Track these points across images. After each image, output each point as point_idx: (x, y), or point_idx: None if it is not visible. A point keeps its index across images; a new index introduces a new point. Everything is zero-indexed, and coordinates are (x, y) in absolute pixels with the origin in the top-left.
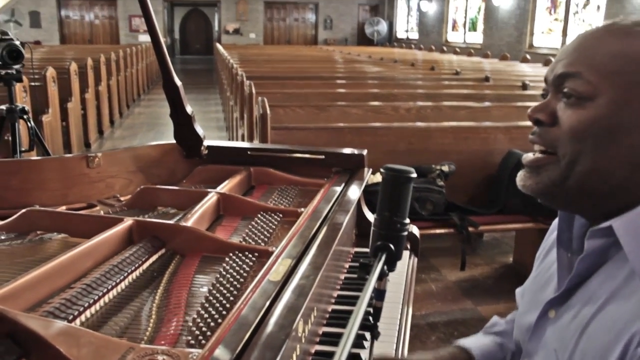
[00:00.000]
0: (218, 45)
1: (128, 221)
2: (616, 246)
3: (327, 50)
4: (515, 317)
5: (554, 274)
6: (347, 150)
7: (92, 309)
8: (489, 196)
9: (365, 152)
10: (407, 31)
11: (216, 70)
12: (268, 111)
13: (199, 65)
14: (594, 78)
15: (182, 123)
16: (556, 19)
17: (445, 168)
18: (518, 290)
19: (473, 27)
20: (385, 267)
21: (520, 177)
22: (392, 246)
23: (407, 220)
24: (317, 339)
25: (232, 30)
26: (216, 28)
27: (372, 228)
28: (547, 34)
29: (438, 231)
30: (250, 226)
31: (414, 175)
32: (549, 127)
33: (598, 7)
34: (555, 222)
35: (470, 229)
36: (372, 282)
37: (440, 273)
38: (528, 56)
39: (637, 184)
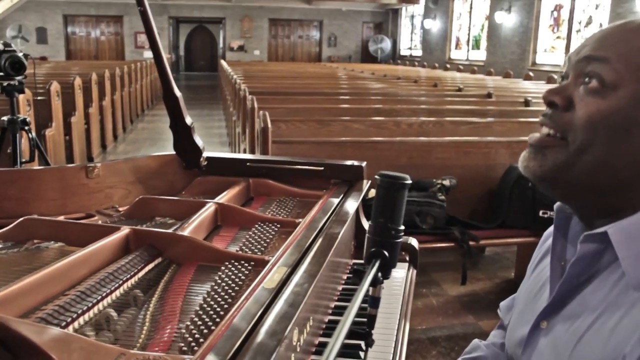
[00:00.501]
0: (222, 62)
1: (125, 230)
2: (609, 255)
3: (331, 67)
4: (495, 340)
5: (546, 283)
6: (346, 162)
7: (86, 316)
8: (490, 210)
9: (364, 164)
10: (410, 49)
11: (220, 86)
12: (269, 125)
13: (203, 82)
14: (621, 67)
15: (182, 134)
16: (559, 37)
17: (447, 182)
18: (503, 304)
19: (476, 45)
20: (380, 274)
21: (524, 158)
22: (386, 253)
23: (402, 227)
24: (313, 349)
25: (237, 47)
26: (221, 45)
27: (366, 235)
28: (550, 52)
29: (439, 245)
30: (247, 236)
31: (409, 182)
32: (563, 112)
33: (601, 25)
34: (548, 231)
35: (471, 243)
36: (364, 287)
37: (441, 288)
38: (531, 74)
39: None
